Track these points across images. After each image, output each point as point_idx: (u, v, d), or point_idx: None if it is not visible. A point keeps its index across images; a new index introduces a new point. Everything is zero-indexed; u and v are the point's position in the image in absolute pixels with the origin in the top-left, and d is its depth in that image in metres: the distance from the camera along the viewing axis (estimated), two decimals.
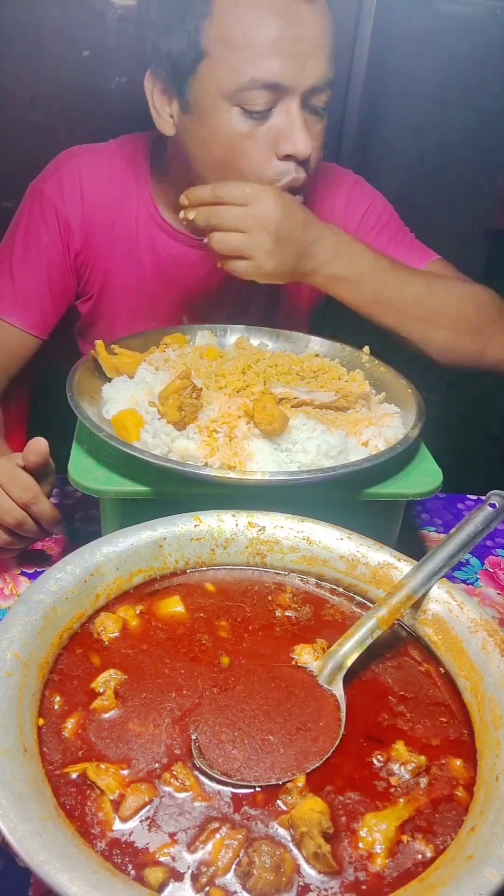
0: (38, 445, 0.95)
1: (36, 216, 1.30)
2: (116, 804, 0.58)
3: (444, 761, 0.63)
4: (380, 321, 1.20)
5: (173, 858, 0.55)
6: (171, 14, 1.10)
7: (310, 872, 0.54)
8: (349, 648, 0.70)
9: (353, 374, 1.16)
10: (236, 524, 0.83)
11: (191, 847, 0.55)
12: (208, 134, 1.13)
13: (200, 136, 1.15)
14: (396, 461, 0.96)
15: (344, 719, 0.66)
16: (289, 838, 0.56)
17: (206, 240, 1.10)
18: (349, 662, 0.69)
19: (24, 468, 0.96)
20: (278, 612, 0.78)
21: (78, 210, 1.29)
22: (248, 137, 1.11)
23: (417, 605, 0.75)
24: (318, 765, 0.62)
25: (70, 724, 0.63)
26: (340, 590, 0.82)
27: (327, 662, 0.69)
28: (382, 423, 1.03)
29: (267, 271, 1.09)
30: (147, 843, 0.55)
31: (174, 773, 0.60)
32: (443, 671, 0.72)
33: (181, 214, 1.11)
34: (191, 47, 1.10)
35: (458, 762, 0.63)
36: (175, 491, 0.91)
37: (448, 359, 1.26)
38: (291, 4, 1.06)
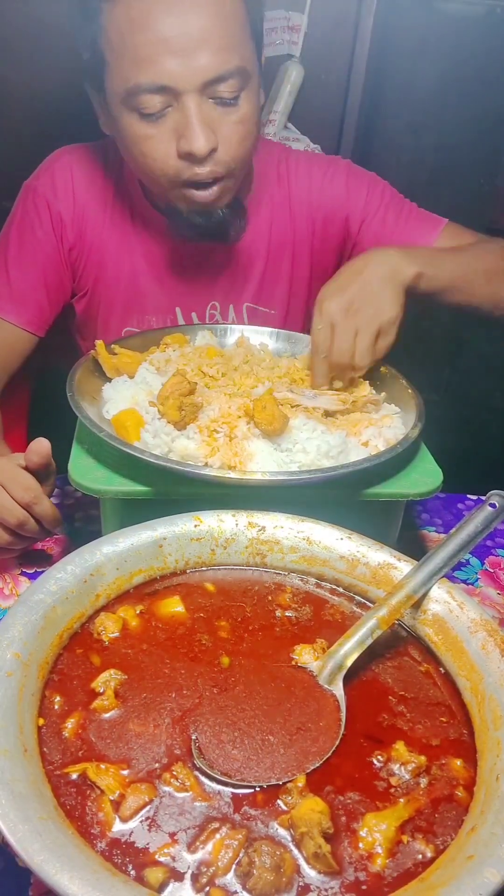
0: (41, 446, 0.95)
1: (30, 212, 1.30)
2: (116, 804, 0.58)
3: (444, 761, 0.63)
4: (454, 302, 1.21)
5: (173, 858, 0.55)
6: (77, 24, 1.12)
7: (310, 872, 0.55)
8: (349, 648, 0.70)
9: (358, 383, 1.16)
10: (236, 524, 0.83)
11: (191, 847, 0.55)
12: (121, 137, 1.15)
13: (119, 139, 1.17)
14: (396, 461, 0.96)
15: (344, 719, 0.66)
16: (289, 838, 0.56)
17: (358, 374, 1.12)
18: (349, 662, 0.69)
19: (26, 468, 0.96)
20: (278, 612, 0.78)
21: (70, 204, 1.30)
22: (150, 138, 1.10)
23: (417, 605, 0.75)
24: (318, 765, 0.62)
25: (70, 724, 0.63)
26: (340, 590, 0.82)
27: (327, 662, 0.69)
28: (382, 423, 1.03)
29: (396, 318, 1.10)
30: (147, 843, 0.55)
31: (174, 773, 0.60)
32: (443, 671, 0.72)
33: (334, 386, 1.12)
34: (94, 56, 1.11)
35: (458, 762, 0.63)
36: (175, 491, 0.91)
37: None
38: (165, 2, 1.03)
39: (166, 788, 0.59)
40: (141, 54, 1.04)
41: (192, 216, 1.16)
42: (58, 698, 0.65)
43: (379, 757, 0.63)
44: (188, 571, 0.82)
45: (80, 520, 1.16)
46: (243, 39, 1.09)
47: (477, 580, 1.10)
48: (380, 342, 1.09)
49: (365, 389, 1.13)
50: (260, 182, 1.32)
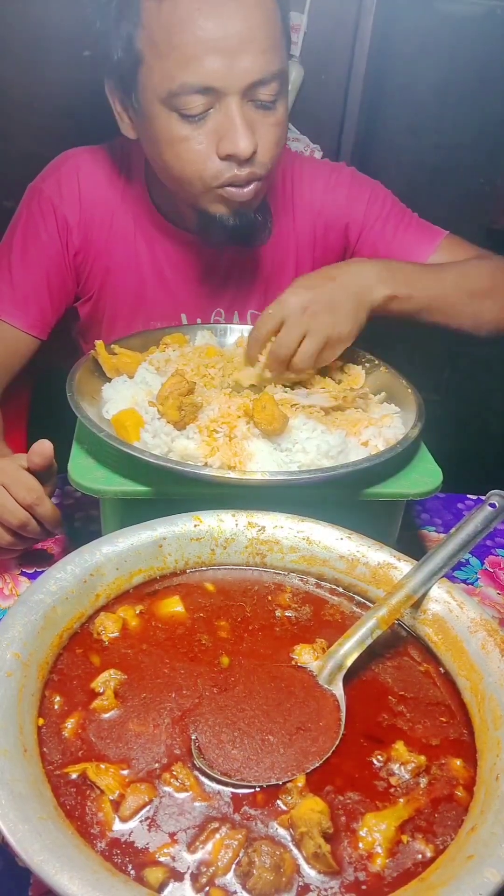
0: (43, 448, 0.95)
1: (35, 215, 1.30)
2: (116, 804, 0.58)
3: (443, 761, 0.63)
4: (432, 322, 1.21)
5: (173, 858, 0.55)
6: (109, 23, 1.10)
7: (310, 872, 0.54)
8: (349, 648, 0.70)
9: (350, 369, 1.16)
10: (236, 524, 0.83)
11: (191, 847, 0.55)
12: (154, 138, 1.13)
13: (150, 141, 1.15)
14: (396, 461, 0.96)
15: (344, 719, 0.66)
16: (289, 838, 0.56)
17: (294, 375, 1.10)
18: (349, 662, 0.69)
19: (28, 469, 0.96)
20: (278, 612, 0.78)
21: (76, 209, 1.29)
22: (188, 140, 1.09)
23: (417, 605, 0.75)
24: (318, 765, 0.62)
25: (70, 724, 0.63)
26: (340, 590, 0.82)
27: (327, 662, 0.69)
28: (382, 423, 1.03)
29: (349, 336, 1.09)
30: (147, 843, 0.55)
31: (174, 773, 0.60)
32: (442, 671, 0.72)
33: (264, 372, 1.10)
34: (128, 55, 1.09)
35: (458, 762, 0.63)
36: (175, 491, 0.91)
37: (501, 330, 1.28)
38: (213, 2, 1.03)
39: (166, 788, 0.59)
40: (187, 54, 1.04)
41: (226, 218, 1.15)
42: (58, 698, 0.65)
43: (379, 757, 0.63)
44: (188, 571, 0.82)
45: (80, 520, 1.16)
46: (281, 42, 1.10)
47: (477, 580, 1.10)
48: (325, 353, 1.08)
49: (359, 381, 1.14)
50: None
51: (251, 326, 1.29)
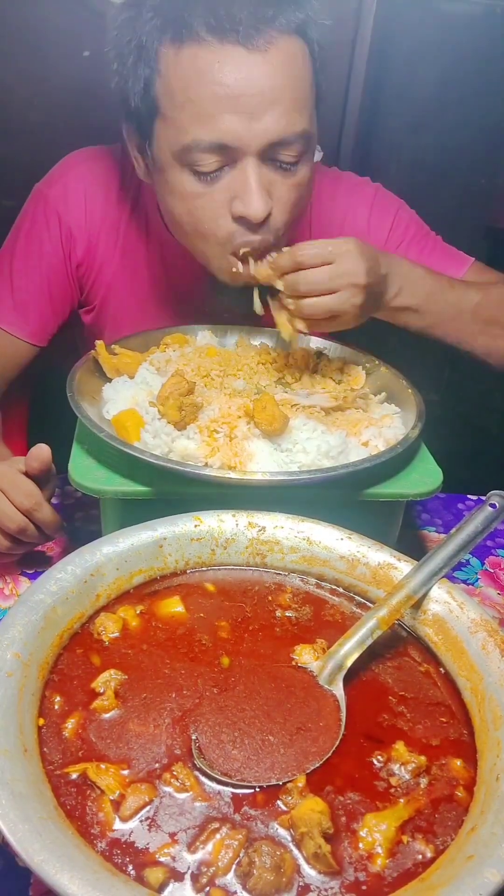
0: (41, 452, 0.95)
1: (39, 223, 1.27)
2: (116, 804, 0.58)
3: (444, 761, 0.63)
4: (443, 340, 1.19)
5: (173, 858, 0.55)
6: (127, 69, 1.03)
7: (310, 872, 0.55)
8: (349, 648, 0.70)
9: (350, 369, 1.16)
10: (236, 524, 0.83)
11: (191, 847, 0.55)
12: (167, 191, 1.09)
13: (163, 192, 1.10)
14: (396, 461, 0.96)
15: (344, 719, 0.66)
16: (289, 838, 0.57)
17: (289, 304, 1.03)
18: (349, 662, 0.69)
19: (26, 474, 0.96)
20: (278, 613, 0.78)
21: (82, 220, 1.26)
22: (201, 197, 1.04)
23: (417, 606, 0.75)
24: (318, 765, 0.62)
25: (70, 724, 0.63)
26: (340, 590, 0.82)
27: (327, 662, 0.69)
28: (382, 423, 1.03)
29: (357, 322, 1.05)
30: (147, 843, 0.56)
31: (174, 773, 0.60)
32: (443, 671, 0.72)
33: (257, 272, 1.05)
34: (144, 103, 1.04)
35: (458, 762, 0.63)
36: (175, 491, 0.91)
37: None
38: (235, 58, 0.95)
39: (166, 788, 0.59)
40: (204, 109, 0.97)
41: (226, 291, 1.12)
42: (58, 698, 0.65)
43: (379, 757, 0.63)
44: (188, 571, 0.82)
45: (80, 520, 1.16)
46: (311, 101, 1.04)
47: (477, 580, 1.10)
48: (324, 323, 1.03)
49: (359, 382, 1.14)
50: None
51: (252, 327, 1.29)
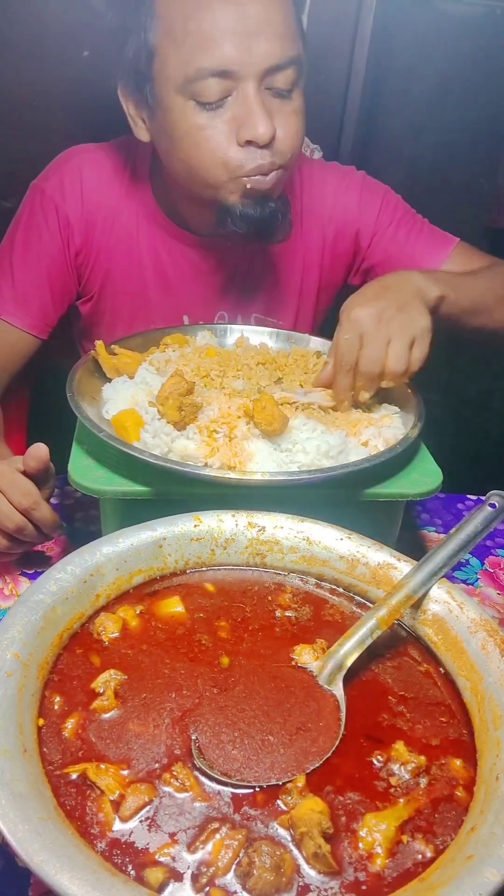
0: (39, 451, 0.95)
1: (37, 214, 1.29)
2: (116, 804, 0.58)
3: (443, 761, 0.63)
4: (475, 325, 1.21)
5: (173, 858, 0.55)
6: (123, 18, 1.11)
7: (310, 872, 0.55)
8: (349, 648, 0.70)
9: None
10: (236, 524, 0.83)
11: (191, 847, 0.55)
12: (171, 131, 1.13)
13: (166, 135, 1.14)
14: (396, 461, 0.96)
15: (344, 719, 0.66)
16: (289, 838, 0.56)
17: (368, 392, 1.06)
18: (349, 662, 0.69)
19: (24, 473, 0.96)
20: (278, 613, 0.78)
21: (79, 209, 1.29)
22: (206, 128, 1.09)
23: (417, 606, 0.75)
24: (318, 765, 0.62)
25: (70, 724, 0.63)
26: (340, 590, 0.82)
27: (327, 662, 0.69)
28: (382, 423, 1.03)
29: (429, 329, 1.06)
30: (147, 844, 0.56)
31: (174, 773, 0.60)
32: (443, 671, 0.72)
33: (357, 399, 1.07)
34: (143, 48, 1.09)
35: (458, 762, 0.63)
36: (175, 491, 0.91)
37: None
38: None
39: (166, 788, 0.59)
40: (204, 38, 1.04)
41: (246, 208, 1.14)
42: (58, 698, 0.65)
43: (379, 757, 0.63)
44: (188, 572, 0.82)
45: (80, 520, 1.16)
46: (297, 31, 1.11)
47: (477, 580, 1.10)
48: (414, 351, 1.04)
49: None
50: None
51: (251, 327, 1.30)
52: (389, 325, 1.03)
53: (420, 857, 0.56)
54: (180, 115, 1.10)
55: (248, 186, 1.12)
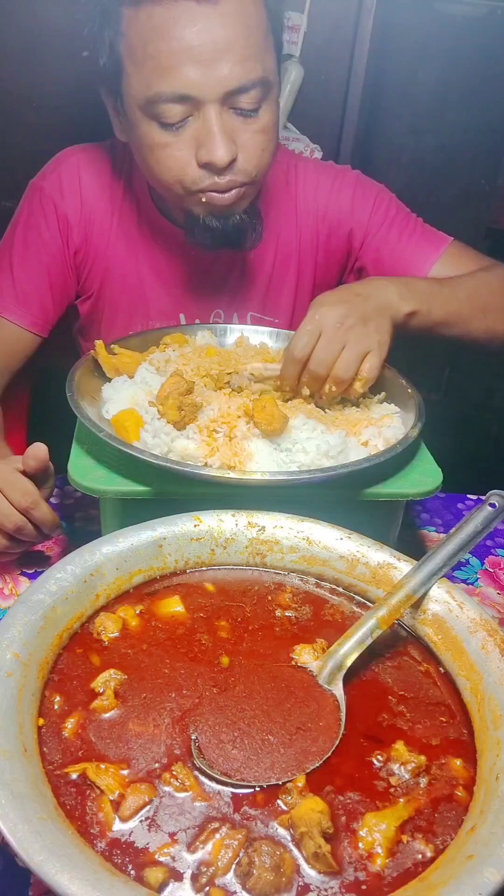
0: (38, 451, 0.95)
1: (36, 213, 1.30)
2: (116, 804, 0.58)
3: (443, 761, 0.63)
4: (449, 336, 1.20)
5: (173, 858, 0.55)
6: (94, 30, 1.10)
7: (310, 872, 0.55)
8: (349, 648, 0.70)
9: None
10: (236, 524, 0.83)
11: (191, 847, 0.55)
12: (137, 144, 1.14)
13: (135, 146, 1.16)
14: (396, 461, 0.96)
15: (344, 719, 0.66)
16: (289, 838, 0.56)
17: (325, 395, 1.07)
18: (349, 662, 0.69)
19: (24, 473, 0.96)
20: (278, 612, 0.78)
21: (77, 207, 1.30)
22: (167, 146, 1.09)
23: (417, 605, 0.75)
24: (317, 765, 0.62)
25: (70, 724, 0.63)
26: (340, 590, 0.82)
27: (327, 662, 0.69)
28: (382, 422, 1.03)
29: (385, 345, 1.07)
30: (147, 843, 0.55)
31: (174, 773, 0.60)
32: (442, 671, 0.72)
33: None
34: (111, 62, 1.09)
35: (458, 762, 0.63)
36: (175, 491, 0.91)
37: None
38: (189, 11, 1.01)
39: (166, 788, 0.59)
40: (163, 63, 1.03)
41: (209, 220, 1.15)
42: (58, 698, 0.65)
43: (379, 757, 0.63)
44: (188, 571, 0.82)
45: (80, 520, 1.16)
46: (266, 49, 1.08)
47: (477, 580, 1.10)
48: (365, 363, 1.05)
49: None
50: (267, 188, 1.31)
51: (251, 326, 1.30)
52: (348, 333, 1.03)
53: (420, 856, 0.56)
54: (144, 132, 1.10)
55: (204, 201, 1.12)
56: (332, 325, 1.03)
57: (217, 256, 1.32)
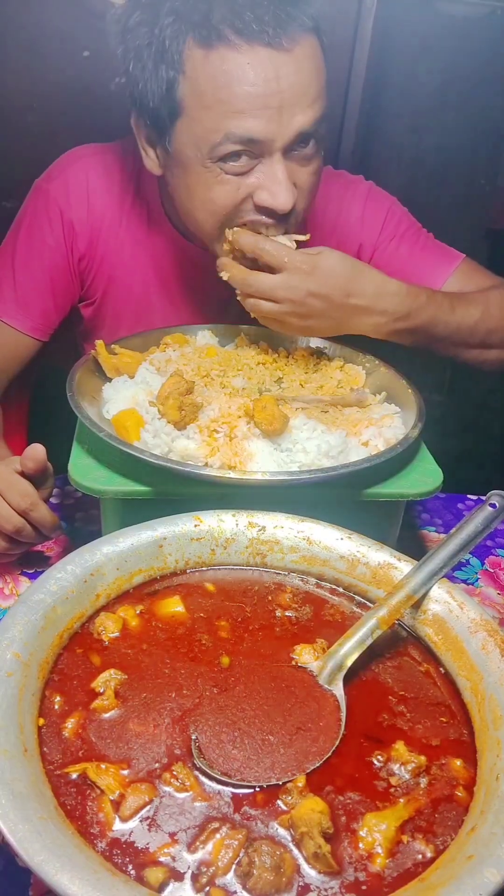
0: (36, 452, 0.95)
1: (40, 217, 1.28)
2: (116, 804, 0.58)
3: (444, 761, 0.63)
4: (436, 353, 1.20)
5: (173, 858, 0.55)
6: (145, 70, 1.05)
7: (310, 872, 0.54)
8: (349, 648, 0.70)
9: (350, 369, 1.16)
10: (236, 524, 0.83)
11: (191, 847, 0.55)
12: (183, 183, 1.11)
13: (182, 185, 1.12)
14: (396, 461, 0.96)
15: (344, 719, 0.66)
16: (289, 838, 0.56)
17: (239, 297, 1.09)
18: (349, 662, 0.69)
19: (22, 474, 0.96)
20: (278, 612, 0.78)
21: (83, 214, 1.27)
22: (224, 184, 1.07)
23: (417, 605, 0.75)
24: (318, 765, 0.62)
25: (70, 724, 0.63)
26: (340, 590, 0.82)
27: (327, 662, 0.69)
28: (382, 423, 1.03)
29: (300, 333, 1.08)
30: (147, 843, 0.55)
31: (174, 773, 0.60)
32: (443, 671, 0.72)
33: (219, 265, 1.10)
34: (165, 103, 1.05)
35: (458, 762, 0.63)
36: (175, 491, 0.91)
37: (500, 370, 1.28)
38: (264, 58, 0.99)
39: (166, 788, 0.59)
40: (236, 107, 1.01)
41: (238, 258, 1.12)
42: (58, 698, 0.65)
43: (379, 757, 0.63)
44: (188, 571, 0.82)
45: (80, 520, 1.16)
46: (325, 92, 1.07)
47: (477, 580, 1.10)
48: (273, 323, 1.07)
49: (359, 381, 1.14)
50: None
51: (251, 326, 1.29)
52: (298, 309, 1.06)
53: (420, 857, 0.56)
54: (197, 175, 1.07)
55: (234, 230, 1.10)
56: (291, 282, 1.04)
57: None
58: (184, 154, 1.08)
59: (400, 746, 0.64)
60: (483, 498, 0.80)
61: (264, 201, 1.06)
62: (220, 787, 0.60)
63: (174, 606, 0.77)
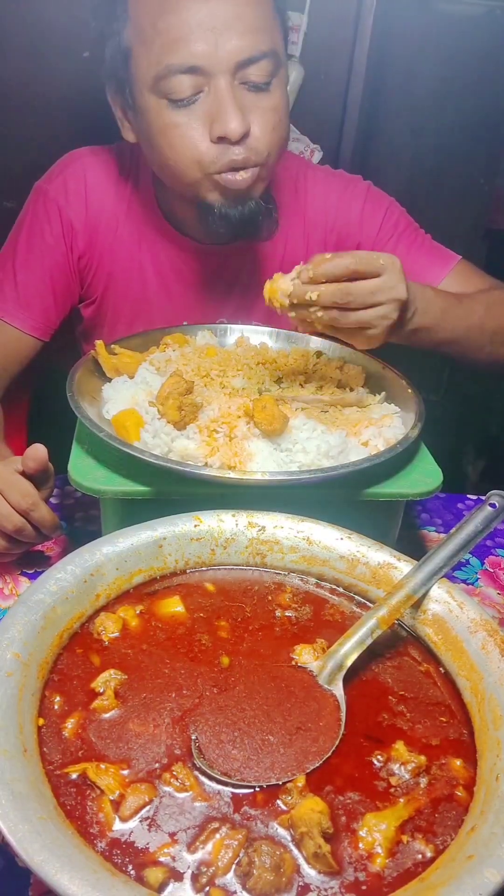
0: (37, 452, 0.95)
1: (40, 217, 1.29)
2: (116, 804, 0.58)
3: (444, 761, 0.63)
4: (447, 353, 1.20)
5: (173, 858, 0.55)
6: (101, 23, 1.12)
7: (310, 872, 0.54)
8: (349, 648, 0.70)
9: (350, 368, 1.16)
10: (236, 524, 0.83)
11: (191, 847, 0.55)
12: (147, 131, 1.13)
13: (145, 135, 1.15)
14: (396, 461, 0.96)
15: (344, 719, 0.66)
16: (289, 838, 0.56)
17: (318, 313, 0.97)
18: (349, 662, 0.69)
19: (23, 474, 0.96)
20: (278, 612, 0.78)
21: (82, 213, 1.29)
22: (179, 126, 1.08)
23: (417, 605, 0.75)
24: (318, 765, 0.62)
25: (70, 724, 0.63)
26: (340, 590, 0.82)
27: (327, 662, 0.69)
28: (382, 423, 1.03)
29: (381, 342, 1.03)
30: (147, 843, 0.55)
31: (174, 773, 0.60)
32: (443, 671, 0.72)
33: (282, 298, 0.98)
34: (118, 51, 1.10)
35: (458, 762, 0.63)
36: (175, 491, 0.91)
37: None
38: None
39: (166, 788, 0.59)
40: (172, 36, 1.04)
41: (225, 207, 1.13)
42: (58, 698, 0.65)
43: (379, 757, 0.63)
44: (188, 571, 0.82)
45: (80, 520, 1.16)
46: (273, 25, 1.10)
47: (477, 580, 1.10)
48: (360, 336, 1.01)
49: (359, 381, 1.14)
50: (277, 193, 1.30)
51: (251, 326, 1.30)
52: (390, 303, 0.99)
53: (420, 857, 0.56)
54: (155, 115, 1.10)
55: (222, 184, 1.11)
56: (391, 282, 0.98)
57: (222, 264, 1.31)
58: (141, 102, 1.11)
59: (400, 746, 0.64)
60: (483, 498, 0.80)
61: (216, 131, 1.07)
62: (219, 787, 0.60)
63: (174, 606, 0.77)
